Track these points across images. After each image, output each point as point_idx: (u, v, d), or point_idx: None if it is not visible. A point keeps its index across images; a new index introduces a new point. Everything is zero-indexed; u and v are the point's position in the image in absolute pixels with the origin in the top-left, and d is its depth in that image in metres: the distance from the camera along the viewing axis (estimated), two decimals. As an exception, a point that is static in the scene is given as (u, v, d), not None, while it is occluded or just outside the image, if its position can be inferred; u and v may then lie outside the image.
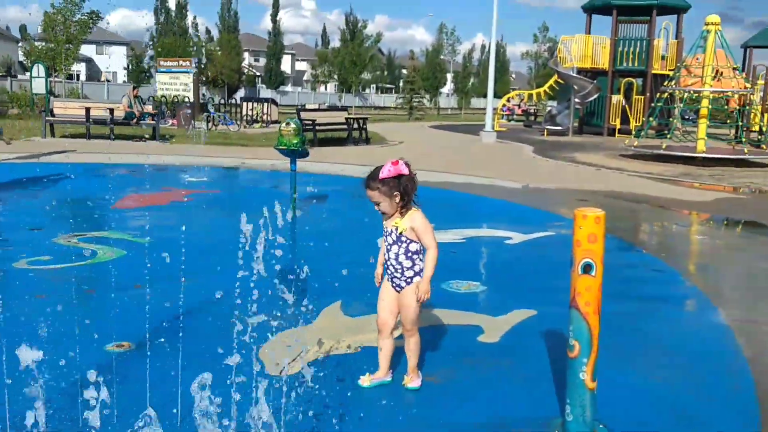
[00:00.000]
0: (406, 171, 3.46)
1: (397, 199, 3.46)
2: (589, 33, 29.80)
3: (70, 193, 10.05)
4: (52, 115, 18.71)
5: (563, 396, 3.22)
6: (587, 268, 2.98)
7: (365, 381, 3.63)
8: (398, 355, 3.79)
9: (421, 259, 3.53)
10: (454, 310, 4.98)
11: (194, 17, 67.35)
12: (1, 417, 3.06)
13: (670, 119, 20.27)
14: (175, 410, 3.22)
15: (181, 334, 3.72)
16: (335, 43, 67.35)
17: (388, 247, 3.56)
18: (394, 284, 3.59)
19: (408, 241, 3.50)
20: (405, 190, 3.45)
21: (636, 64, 28.47)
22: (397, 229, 3.52)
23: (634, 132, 21.70)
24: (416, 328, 3.61)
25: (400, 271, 3.54)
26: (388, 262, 3.57)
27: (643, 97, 28.34)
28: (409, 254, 3.51)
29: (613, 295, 4.36)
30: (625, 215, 9.48)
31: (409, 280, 3.54)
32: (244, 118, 26.92)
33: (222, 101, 34.18)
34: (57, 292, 5.14)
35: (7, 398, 3.15)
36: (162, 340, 3.93)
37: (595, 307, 3.03)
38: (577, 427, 3.12)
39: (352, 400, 3.46)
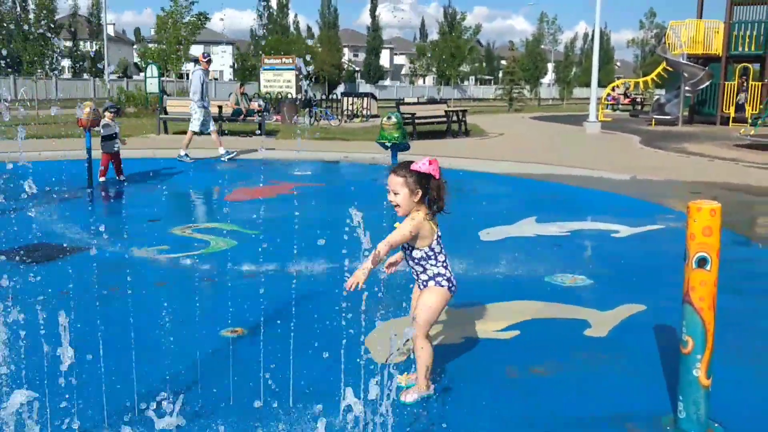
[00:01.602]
0: (437, 175, 3.24)
1: (416, 198, 3.23)
2: (701, 17, 28.37)
3: (184, 187, 10.58)
4: (166, 113, 19.69)
5: (675, 392, 3.13)
6: (702, 263, 2.89)
7: (402, 380, 3.50)
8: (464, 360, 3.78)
9: (432, 264, 3.34)
10: (559, 303, 4.92)
11: (295, 15, 68.80)
12: (128, 395, 3.29)
13: (791, 106, 19.04)
14: (286, 394, 3.35)
15: (290, 321, 3.87)
16: (433, 36, 67.26)
17: (405, 248, 3.40)
18: (418, 285, 3.47)
19: (409, 248, 3.33)
20: (430, 193, 3.25)
21: (753, 48, 26.88)
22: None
23: (750, 120, 20.52)
24: (426, 331, 3.36)
25: (416, 274, 3.43)
26: (408, 265, 3.46)
27: (760, 83, 26.74)
28: (416, 261, 3.34)
29: (728, 290, 4.19)
30: (740, 208, 9.01)
31: (425, 283, 3.39)
32: (345, 112, 27.37)
33: (323, 97, 34.87)
34: (176, 280, 5.45)
35: (135, 378, 3.38)
36: (272, 327, 4.09)
37: (709, 302, 2.93)
38: (690, 425, 3.03)
39: (457, 391, 3.50)
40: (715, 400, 3.06)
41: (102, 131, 10.25)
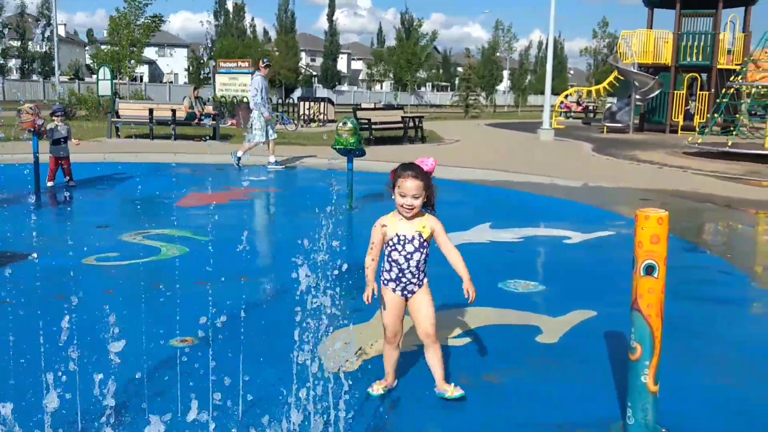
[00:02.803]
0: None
1: (424, 199, 3.32)
2: (651, 27, 29.09)
3: (134, 192, 10.36)
4: (118, 117, 19.31)
5: (624, 398, 3.17)
6: (649, 270, 2.93)
7: (377, 389, 3.48)
8: (412, 366, 3.78)
9: (426, 261, 3.41)
10: (511, 309, 4.95)
11: (252, 18, 68.40)
12: (72, 408, 3.18)
13: (737, 116, 19.62)
14: (235, 404, 3.29)
15: (242, 330, 3.80)
16: (391, 41, 67.49)
17: (407, 255, 3.33)
18: (406, 291, 3.40)
19: (428, 245, 3.37)
20: (432, 192, 3.34)
21: (700, 58, 27.65)
22: (421, 236, 3.32)
23: (698, 129, 21.09)
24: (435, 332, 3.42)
25: (417, 277, 3.39)
26: (405, 271, 3.35)
27: (708, 92, 27.51)
28: (426, 258, 3.39)
29: (677, 296, 4.28)
30: (689, 215, 9.22)
31: (421, 283, 3.41)
32: (302, 117, 27.23)
33: (280, 101, 34.63)
34: (124, 288, 5.32)
35: (78, 390, 3.27)
36: (224, 336, 4.02)
37: (657, 309, 2.97)
38: (639, 430, 3.06)
39: (409, 399, 3.48)
40: (663, 405, 3.10)
41: (51, 135, 9.98)
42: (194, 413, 3.17)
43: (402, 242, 3.32)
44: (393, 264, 3.36)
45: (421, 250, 3.33)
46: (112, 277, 5.65)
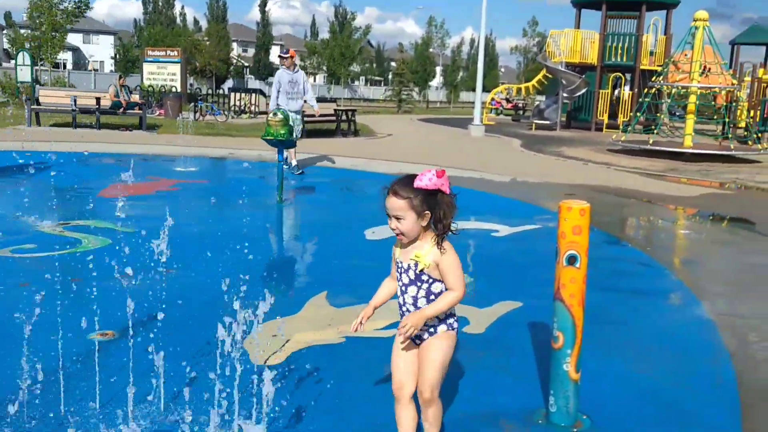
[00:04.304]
0: (447, 190, 2.63)
1: (425, 222, 2.63)
2: (579, 28, 29.86)
3: (55, 182, 9.96)
4: (38, 104, 18.55)
5: (547, 387, 3.23)
6: (572, 260, 2.99)
7: None
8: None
9: None
10: (440, 301, 4.99)
11: (182, 7, 66.84)
12: (-18, 405, 3.03)
13: (658, 114, 20.36)
14: (157, 400, 3.20)
15: (165, 324, 3.70)
16: (324, 34, 67.14)
17: (403, 288, 2.74)
18: (421, 332, 2.76)
19: (431, 280, 2.68)
20: (440, 213, 2.62)
21: (625, 59, 28.56)
22: (416, 265, 2.67)
23: (621, 127, 21.79)
24: (438, 392, 2.75)
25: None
26: (403, 307, 2.75)
27: (630, 92, 28.45)
28: (432, 297, 2.70)
29: (597, 287, 4.39)
30: (611, 209, 9.51)
31: (432, 329, 2.75)
32: (232, 108, 26.80)
33: (210, 91, 34.00)
34: (41, 281, 5.10)
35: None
36: (146, 329, 3.91)
37: (579, 298, 3.04)
38: (561, 417, 3.14)
39: (335, 392, 3.46)
40: (584, 393, 3.18)
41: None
42: (115, 408, 3.07)
43: (399, 270, 2.76)
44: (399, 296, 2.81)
45: (418, 284, 2.70)
46: (28, 269, 5.42)
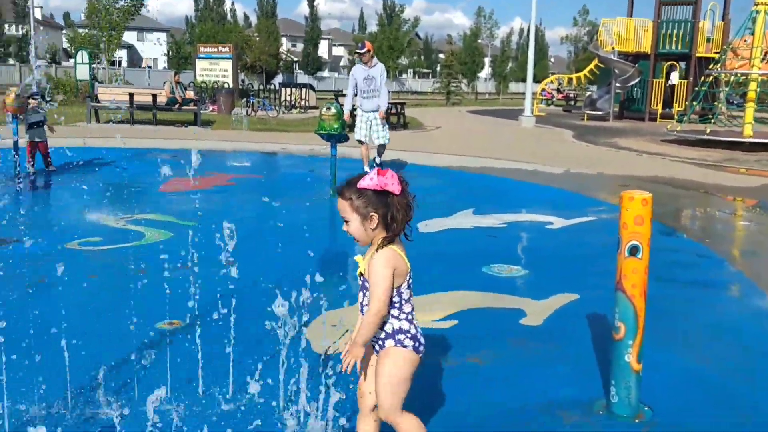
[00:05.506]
0: (396, 190, 2.46)
1: (373, 225, 2.46)
2: (631, 16, 29.23)
3: (117, 177, 10.29)
4: (97, 101, 19.10)
5: (608, 378, 3.24)
6: (634, 251, 2.99)
7: None
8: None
9: (393, 315, 2.52)
10: (495, 293, 5.01)
11: (232, 3, 67.82)
12: (61, 390, 3.19)
13: (715, 103, 19.83)
14: (223, 387, 3.32)
15: (228, 313, 3.81)
16: (372, 27, 67.24)
17: (359, 294, 2.62)
18: (374, 343, 2.60)
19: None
20: (388, 215, 2.45)
21: (680, 47, 27.85)
22: (362, 274, 2.56)
23: (676, 117, 21.29)
24: (397, 413, 2.54)
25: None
26: (361, 316, 2.62)
27: (686, 81, 27.75)
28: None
29: (657, 279, 4.35)
30: (667, 200, 9.34)
31: (381, 342, 2.55)
32: (283, 103, 27.09)
33: (261, 87, 34.42)
34: (108, 273, 5.31)
35: (67, 372, 3.28)
36: (211, 318, 4.03)
37: (641, 289, 3.03)
38: (622, 408, 3.14)
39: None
40: (646, 384, 3.17)
41: (27, 118, 9.88)
42: (183, 395, 3.20)
43: (359, 277, 2.62)
44: None
45: (363, 290, 2.55)
46: (96, 261, 5.63)
